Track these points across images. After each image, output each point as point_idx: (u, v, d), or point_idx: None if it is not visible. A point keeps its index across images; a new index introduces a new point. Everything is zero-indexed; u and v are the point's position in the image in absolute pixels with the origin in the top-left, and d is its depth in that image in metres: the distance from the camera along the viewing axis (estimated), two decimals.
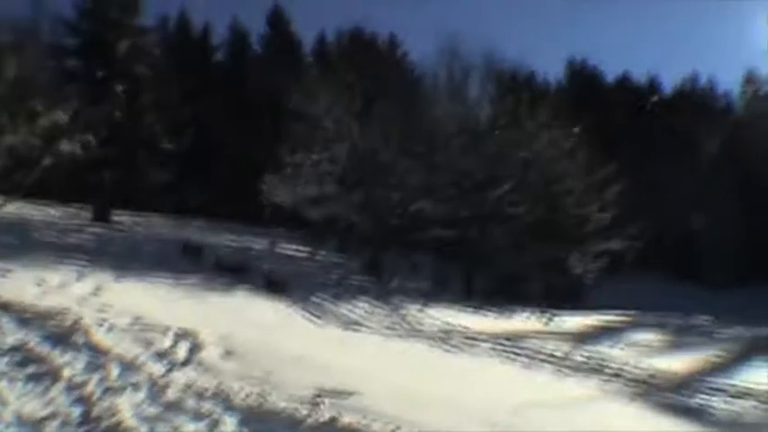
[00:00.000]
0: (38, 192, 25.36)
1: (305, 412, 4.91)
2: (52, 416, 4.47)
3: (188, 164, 33.60)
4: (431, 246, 29.83)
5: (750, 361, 15.26)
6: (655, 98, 59.05)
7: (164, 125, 33.12)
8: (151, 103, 33.52)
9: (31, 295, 9.30)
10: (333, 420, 4.75)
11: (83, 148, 24.52)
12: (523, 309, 23.77)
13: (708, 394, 9.86)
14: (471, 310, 21.63)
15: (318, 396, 5.39)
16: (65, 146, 23.52)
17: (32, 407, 4.65)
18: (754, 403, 9.40)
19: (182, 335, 7.36)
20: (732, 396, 9.99)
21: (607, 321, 23.15)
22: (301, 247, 28.36)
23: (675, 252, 27.10)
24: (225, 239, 26.45)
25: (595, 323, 22.44)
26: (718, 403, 9.28)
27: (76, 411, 4.64)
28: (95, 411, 4.62)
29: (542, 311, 23.15)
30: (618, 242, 31.38)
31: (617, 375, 10.95)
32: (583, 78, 65.42)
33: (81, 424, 4.41)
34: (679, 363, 13.83)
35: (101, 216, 27.32)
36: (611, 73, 63.91)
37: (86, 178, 27.65)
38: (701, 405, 8.49)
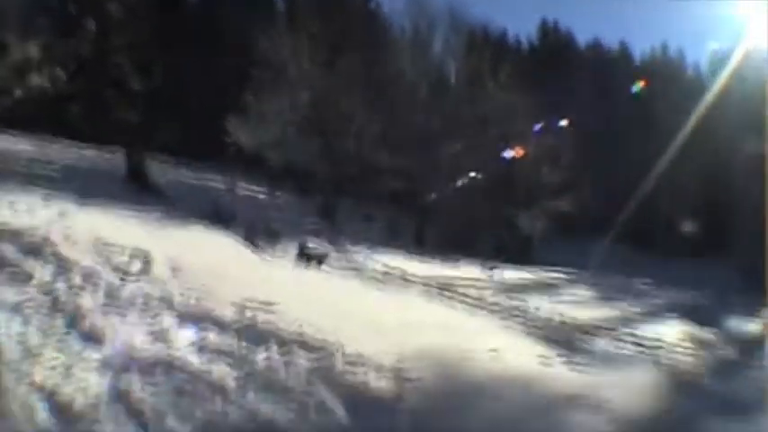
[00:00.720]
0: (8, 123, 25.85)
1: (230, 315, 6.15)
2: (27, 302, 5.64)
3: (155, 102, 34.08)
4: (386, 195, 30.82)
5: (661, 319, 16.54)
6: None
7: (133, 64, 33.62)
8: (122, 41, 33.93)
9: (2, 217, 10.31)
10: (252, 321, 5.98)
11: (52, 82, 24.98)
12: (471, 260, 24.91)
13: (599, 338, 11.06)
14: (417, 257, 22.62)
15: (244, 304, 6.63)
16: (35, 79, 23.90)
17: (11, 296, 5.79)
18: (638, 348, 10.58)
19: (136, 254, 8.52)
20: (621, 341, 11.26)
21: (548, 277, 24.35)
22: (260, 188, 29.19)
23: (633, 219, 28.12)
24: (187, 177, 27.13)
25: (535, 278, 23.64)
26: (603, 345, 10.45)
27: (46, 302, 5.83)
28: (61, 302, 5.81)
29: (487, 264, 24.37)
30: (568, 204, 32.55)
31: (527, 318, 12.09)
32: (553, 41, 65.89)
33: (50, 309, 5.60)
34: (596, 314, 14.87)
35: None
36: (582, 38, 64.62)
37: (55, 112, 28.14)
38: (586, 344, 9.62)
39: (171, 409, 3.61)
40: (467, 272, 21.41)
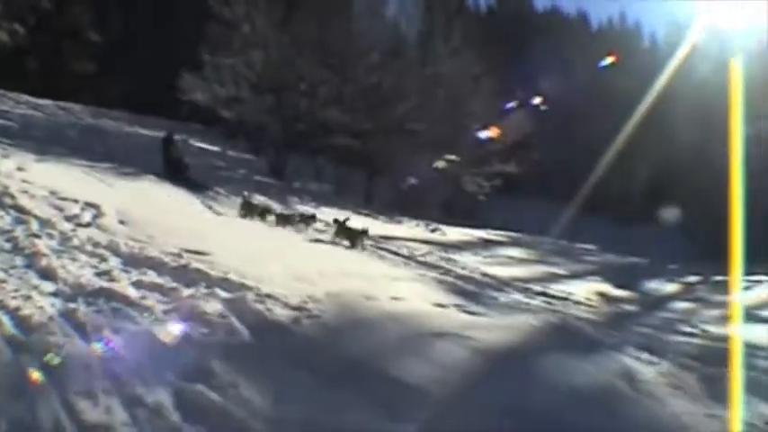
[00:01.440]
0: None
1: (168, 260, 7.11)
2: None
3: (112, 55, 34.31)
4: (336, 153, 31.60)
5: (583, 279, 17.46)
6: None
7: (91, 16, 33.77)
8: None
9: None
10: (185, 266, 6.95)
11: (10, 35, 25.25)
12: (414, 218, 25.76)
13: (509, 292, 11.84)
14: (363, 214, 23.35)
15: (182, 252, 7.59)
16: None
17: None
18: (541, 301, 11.49)
19: (88, 206, 9.42)
20: (529, 295, 12.16)
21: (487, 237, 25.16)
22: (213, 145, 29.68)
23: (586, 185, 28.95)
24: (140, 130, 27.32)
25: (474, 237, 24.37)
26: (509, 297, 11.26)
27: (7, 245, 6.76)
28: (20, 245, 6.75)
29: (429, 222, 25.26)
30: (513, 166, 33.53)
31: (451, 273, 12.78)
32: (512, 5, 66.26)
33: (10, 251, 6.54)
34: (518, 272, 15.29)
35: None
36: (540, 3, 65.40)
37: (13, 65, 28.36)
38: (492, 295, 10.50)
39: (108, 324, 4.60)
40: (408, 229, 22.00)
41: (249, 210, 15.34)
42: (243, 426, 3.65)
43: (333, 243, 13.29)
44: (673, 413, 5.12)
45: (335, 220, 14.24)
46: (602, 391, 5.31)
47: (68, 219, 8.61)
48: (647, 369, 6.25)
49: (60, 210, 8.92)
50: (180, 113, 32.37)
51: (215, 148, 29.00)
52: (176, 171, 18.40)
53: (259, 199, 18.38)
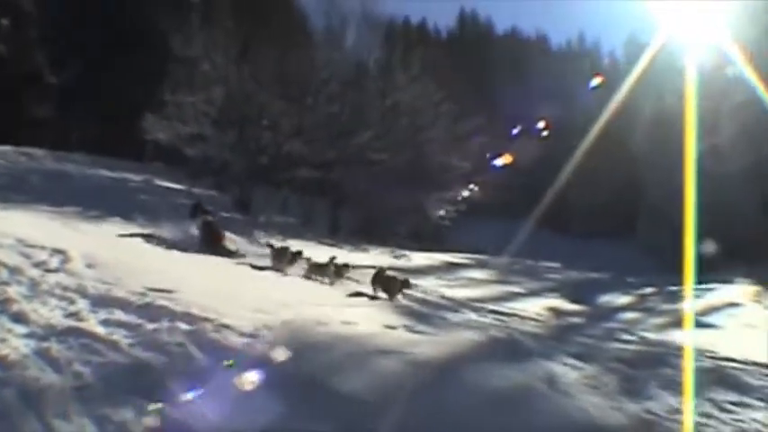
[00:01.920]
0: None
1: (134, 299, 7.65)
2: None
3: (71, 98, 34.59)
4: (300, 185, 32.19)
5: (539, 296, 18.16)
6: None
7: (48, 59, 34.11)
8: (36, 36, 34.38)
9: None
10: (148, 304, 7.48)
11: None
12: (380, 246, 26.32)
13: (462, 312, 12.48)
14: (328, 244, 24.00)
15: (147, 291, 8.12)
16: None
17: None
18: (492, 318, 12.15)
19: (55, 252, 9.91)
20: (488, 312, 12.81)
21: (452, 261, 25.77)
22: (179, 184, 30.00)
23: (547, 203, 29.51)
24: (102, 173, 27.48)
25: (439, 261, 24.97)
26: (472, 316, 11.92)
27: None
28: None
29: (395, 249, 25.87)
30: (476, 190, 34.29)
31: (408, 297, 13.19)
32: (471, 30, 67.36)
33: None
34: (475, 293, 16.16)
35: None
36: (501, 26, 66.48)
37: None
38: (450, 317, 11.09)
39: (78, 358, 5.16)
40: (373, 257, 22.54)
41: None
42: None
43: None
44: (581, 407, 5.79)
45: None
46: (522, 392, 5.94)
47: (36, 265, 9.05)
48: (572, 373, 6.94)
49: (28, 257, 9.37)
50: (143, 154, 32.76)
51: (180, 187, 29.24)
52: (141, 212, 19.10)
53: (226, 235, 18.75)
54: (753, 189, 26.89)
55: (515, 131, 35.57)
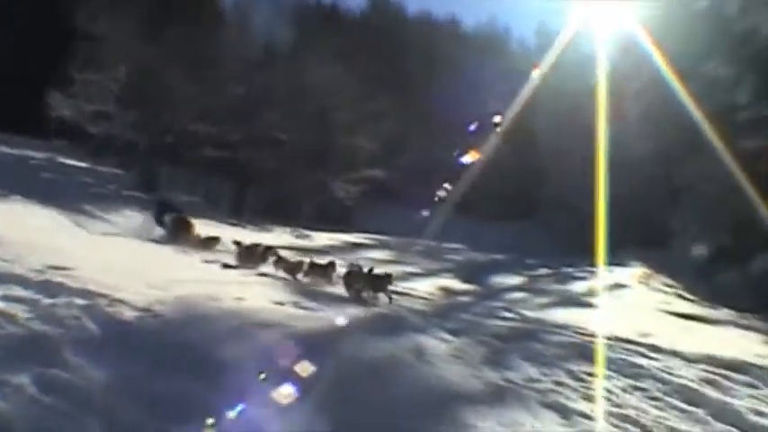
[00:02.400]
0: None
1: (32, 275, 8.05)
2: None
3: None
4: (205, 165, 32.31)
5: (434, 276, 18.80)
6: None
7: None
8: None
9: None
10: (47, 281, 7.90)
11: None
12: (284, 226, 26.72)
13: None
14: (232, 224, 24.30)
15: (45, 268, 8.52)
16: None
17: None
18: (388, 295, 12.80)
19: None
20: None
21: (355, 241, 26.30)
22: (82, 161, 29.79)
23: (460, 186, 29.78)
24: (5, 149, 27.14)
25: (342, 242, 25.48)
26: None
27: None
28: None
29: (298, 230, 26.32)
30: (380, 171, 34.92)
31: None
32: (383, 12, 67.45)
33: None
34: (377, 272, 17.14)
35: None
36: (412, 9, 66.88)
37: None
38: (338, 294, 11.67)
39: None
40: (276, 237, 22.93)
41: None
42: (86, 394, 4.75)
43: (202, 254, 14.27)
44: (443, 376, 6.55)
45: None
46: (390, 362, 6.65)
47: None
48: (441, 345, 7.68)
49: None
50: (46, 131, 32.27)
51: (83, 165, 29.09)
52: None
53: (128, 212, 18.91)
54: (656, 173, 28.00)
55: (473, 127, 36.12)
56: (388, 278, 11.75)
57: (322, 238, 24.96)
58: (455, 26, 68.92)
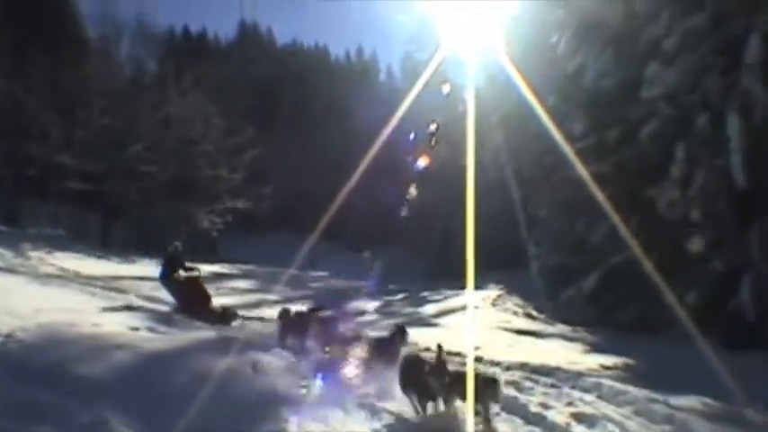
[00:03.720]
0: None
1: None
2: None
3: None
4: (71, 197, 32.22)
5: (293, 304, 19.65)
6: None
7: None
8: None
9: None
10: None
11: None
12: (151, 258, 27.01)
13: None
14: (98, 256, 24.57)
15: None
16: None
17: None
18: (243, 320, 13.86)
19: None
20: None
21: (220, 271, 26.62)
22: None
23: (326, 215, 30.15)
24: None
25: (207, 272, 25.69)
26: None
27: None
28: None
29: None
30: (243, 202, 35.62)
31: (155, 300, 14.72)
32: (252, 41, 68.10)
33: None
34: (235, 301, 17.65)
35: None
36: (282, 39, 67.52)
37: None
38: (193, 321, 12.54)
39: None
40: (141, 268, 23.31)
41: None
42: None
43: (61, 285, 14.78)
44: (272, 384, 7.75)
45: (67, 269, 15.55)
46: (229, 373, 7.72)
47: None
48: (277, 361, 8.83)
49: None
50: None
51: None
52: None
53: None
54: (516, 197, 29.56)
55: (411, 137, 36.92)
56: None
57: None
58: (324, 54, 70.36)
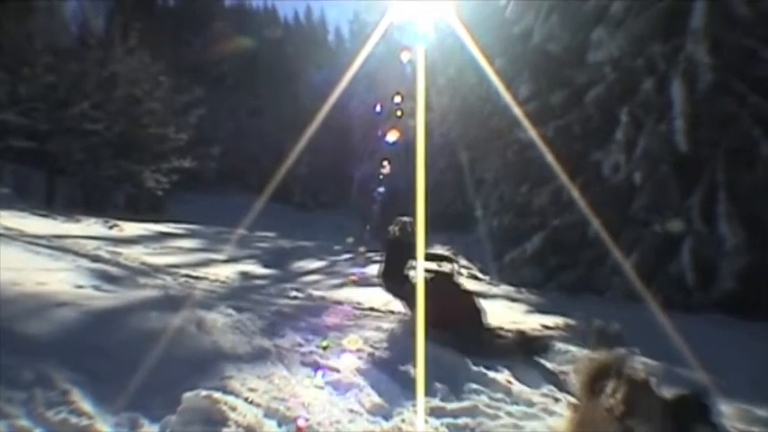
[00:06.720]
0: None
1: None
2: None
3: None
4: (15, 155, 31.76)
5: (238, 263, 19.47)
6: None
7: None
8: None
9: None
10: None
11: None
12: (96, 217, 26.76)
13: (165, 275, 13.86)
14: (41, 215, 24.19)
15: None
16: None
17: None
18: (189, 279, 13.74)
19: None
20: (180, 276, 14.30)
21: (165, 231, 26.45)
22: None
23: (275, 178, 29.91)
24: None
25: (152, 232, 25.46)
26: (166, 279, 13.42)
27: None
28: None
29: (109, 220, 26.41)
30: (190, 161, 35.48)
31: (110, 263, 14.33)
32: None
33: None
34: (175, 260, 17.06)
35: None
36: None
37: None
38: (140, 279, 12.42)
39: None
40: (85, 227, 23.06)
41: None
42: None
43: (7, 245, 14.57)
44: (218, 341, 7.82)
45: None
46: (173, 332, 7.79)
47: None
48: (223, 319, 8.86)
49: None
50: None
51: None
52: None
53: None
54: (464, 160, 29.74)
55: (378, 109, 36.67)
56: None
57: (132, 228, 25.12)
58: (273, 16, 69.62)
